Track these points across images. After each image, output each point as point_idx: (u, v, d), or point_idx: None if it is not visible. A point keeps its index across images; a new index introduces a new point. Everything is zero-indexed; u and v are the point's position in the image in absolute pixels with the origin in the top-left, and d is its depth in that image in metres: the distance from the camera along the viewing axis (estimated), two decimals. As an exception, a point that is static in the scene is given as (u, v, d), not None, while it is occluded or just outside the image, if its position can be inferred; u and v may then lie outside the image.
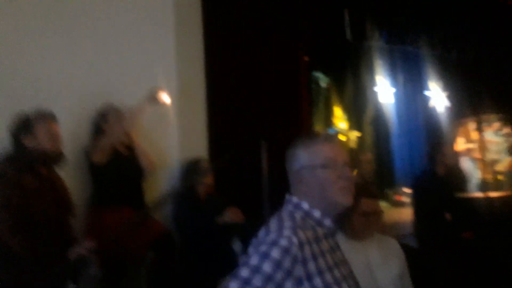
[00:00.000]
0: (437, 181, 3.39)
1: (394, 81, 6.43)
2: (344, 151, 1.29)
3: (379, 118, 6.28)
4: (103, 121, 2.86)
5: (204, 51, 3.44)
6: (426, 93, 6.58)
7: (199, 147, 3.30)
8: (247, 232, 3.03)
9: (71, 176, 2.52)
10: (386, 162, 6.24)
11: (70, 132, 2.61)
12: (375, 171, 5.91)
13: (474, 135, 5.68)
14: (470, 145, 5.56)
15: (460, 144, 5.63)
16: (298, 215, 1.19)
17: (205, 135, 3.35)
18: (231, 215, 2.89)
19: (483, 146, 5.54)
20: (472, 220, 3.66)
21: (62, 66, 2.87)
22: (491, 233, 3.45)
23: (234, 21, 3.61)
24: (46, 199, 2.20)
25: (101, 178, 2.78)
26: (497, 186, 5.15)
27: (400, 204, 5.47)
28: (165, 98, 2.86)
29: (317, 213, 1.20)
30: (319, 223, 1.20)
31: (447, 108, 6.64)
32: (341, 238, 1.86)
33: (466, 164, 5.27)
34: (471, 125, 5.70)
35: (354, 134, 5.89)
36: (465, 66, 6.60)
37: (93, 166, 2.75)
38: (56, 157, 2.32)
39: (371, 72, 6.26)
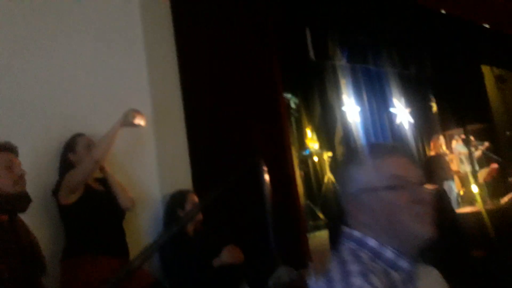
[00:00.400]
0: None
1: (359, 100, 6.40)
2: (416, 165, 0.94)
3: (348, 137, 6.17)
4: (71, 153, 2.40)
5: (179, 73, 3.08)
6: (391, 110, 6.60)
7: (182, 177, 2.89)
8: (256, 273, 2.66)
9: (39, 223, 2.02)
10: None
11: (35, 167, 2.12)
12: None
13: (445, 148, 5.70)
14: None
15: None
16: (364, 255, 0.87)
17: (187, 162, 2.95)
18: (230, 255, 2.48)
19: (456, 158, 5.56)
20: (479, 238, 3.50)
21: (21, 92, 2.38)
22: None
23: (207, 41, 3.31)
24: (8, 254, 1.70)
25: (73, 221, 2.28)
26: (472, 200, 5.13)
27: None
28: (141, 119, 2.44)
29: (389, 253, 0.87)
30: (393, 265, 0.87)
31: (411, 124, 6.69)
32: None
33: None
34: (440, 139, 5.72)
35: (327, 155, 5.71)
36: (423, 81, 6.74)
37: (63, 207, 2.25)
38: (18, 199, 1.83)
39: (337, 92, 6.19)
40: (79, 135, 2.46)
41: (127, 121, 2.40)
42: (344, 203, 0.94)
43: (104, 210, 2.39)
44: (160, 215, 2.73)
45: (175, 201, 2.68)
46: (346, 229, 0.93)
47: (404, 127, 6.55)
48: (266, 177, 2.08)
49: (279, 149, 3.45)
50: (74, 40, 2.64)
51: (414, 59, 6.61)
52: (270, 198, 2.29)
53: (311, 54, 5.89)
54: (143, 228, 2.68)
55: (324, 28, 5.98)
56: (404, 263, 0.88)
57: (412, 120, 6.68)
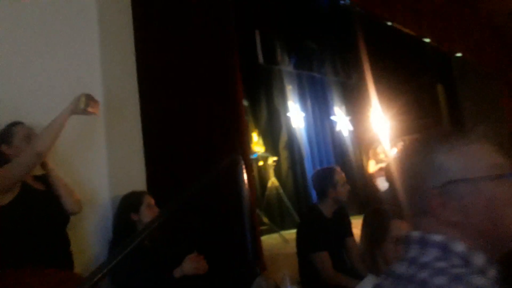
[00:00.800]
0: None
1: (304, 106, 6.44)
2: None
3: (292, 142, 6.17)
4: (5, 145, 2.02)
5: (136, 64, 2.77)
6: (332, 117, 6.72)
7: (135, 177, 2.58)
8: (233, 283, 2.42)
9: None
10: (302, 186, 6.11)
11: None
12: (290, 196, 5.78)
13: (383, 156, 5.86)
14: (382, 166, 5.69)
15: (372, 166, 5.74)
16: (449, 263, 0.70)
17: (142, 160, 2.65)
18: (193, 264, 2.23)
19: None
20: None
21: None
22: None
23: (165, 33, 3.05)
24: None
25: (6, 226, 1.90)
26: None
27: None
28: (95, 107, 2.11)
29: (479, 259, 0.72)
30: (482, 272, 0.71)
31: (351, 132, 6.85)
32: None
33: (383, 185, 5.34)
34: (380, 147, 5.88)
35: (272, 159, 5.62)
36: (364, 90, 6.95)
37: (-5, 209, 1.87)
38: None
39: (283, 97, 6.17)
40: (16, 124, 2.08)
41: (78, 108, 2.06)
42: (408, 201, 0.79)
43: (45, 213, 2.04)
44: (110, 220, 2.40)
45: (129, 204, 2.37)
46: (417, 234, 0.77)
47: (343, 134, 6.70)
48: (245, 175, 1.88)
49: (238, 150, 3.27)
50: (9, 15, 2.25)
51: (356, 69, 6.77)
52: (248, 198, 2.10)
53: (260, 58, 5.82)
54: (88, 235, 2.33)
55: (274, 33, 5.94)
56: (492, 271, 0.73)
57: (351, 128, 6.84)
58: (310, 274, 2.44)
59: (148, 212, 2.37)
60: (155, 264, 2.21)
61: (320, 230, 2.48)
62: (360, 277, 2.33)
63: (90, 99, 2.07)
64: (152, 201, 2.42)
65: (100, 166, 2.42)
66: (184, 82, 3.07)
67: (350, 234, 2.69)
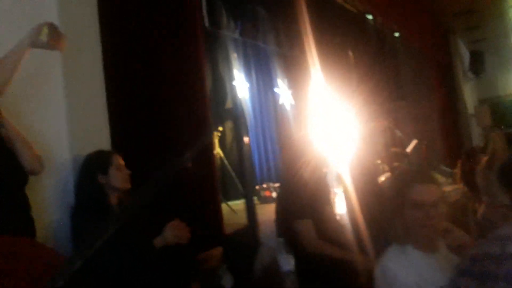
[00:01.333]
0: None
1: (248, 76, 6.26)
2: None
3: (237, 113, 5.97)
4: None
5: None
6: (276, 89, 6.64)
7: (99, 134, 2.23)
8: (237, 255, 2.19)
9: None
10: (247, 158, 5.98)
11: None
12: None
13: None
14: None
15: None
16: None
17: (105, 115, 2.29)
18: (175, 232, 1.99)
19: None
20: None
21: None
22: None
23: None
24: None
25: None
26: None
27: (271, 200, 5.26)
28: (60, 40, 1.73)
29: None
30: None
31: (293, 106, 6.83)
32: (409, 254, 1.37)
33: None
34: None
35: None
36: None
37: None
38: None
39: (228, 65, 5.92)
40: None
41: (39, 40, 1.67)
42: None
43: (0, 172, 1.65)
44: (70, 182, 2.05)
45: (95, 164, 2.04)
46: None
47: (285, 107, 6.67)
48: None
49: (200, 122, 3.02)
50: None
51: (298, 41, 6.71)
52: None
53: (206, 20, 5.48)
54: (46, 199, 1.97)
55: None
56: None
57: (293, 102, 6.82)
58: (291, 243, 2.33)
59: (117, 174, 2.07)
60: (133, 233, 1.93)
61: (304, 197, 2.36)
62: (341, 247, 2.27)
63: (53, 30, 1.68)
64: (122, 162, 2.11)
65: (58, 118, 2.04)
66: (147, 35, 2.72)
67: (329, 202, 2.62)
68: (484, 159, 3.44)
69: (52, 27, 1.70)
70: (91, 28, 2.25)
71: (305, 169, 2.43)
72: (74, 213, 1.97)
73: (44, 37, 1.68)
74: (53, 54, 1.84)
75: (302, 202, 2.34)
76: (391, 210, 1.48)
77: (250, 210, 1.75)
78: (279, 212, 2.50)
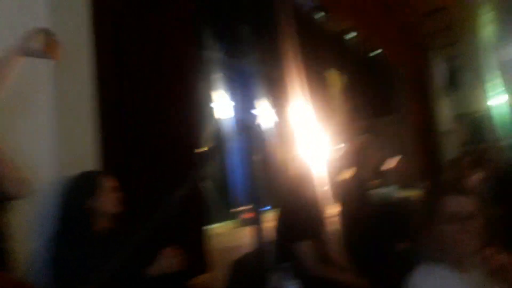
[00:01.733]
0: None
1: (231, 95, 6.20)
2: None
3: (218, 133, 5.87)
4: None
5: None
6: (257, 109, 6.57)
7: (87, 155, 2.07)
8: None
9: None
10: (228, 179, 5.85)
11: None
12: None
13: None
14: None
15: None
16: None
17: (94, 135, 2.14)
18: (171, 260, 1.84)
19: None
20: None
21: None
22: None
23: None
24: None
25: None
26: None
27: (251, 222, 5.12)
28: (53, 46, 1.58)
29: None
30: None
31: (276, 124, 6.77)
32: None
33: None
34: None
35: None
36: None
37: None
38: None
39: (211, 84, 5.85)
40: None
41: (32, 48, 1.53)
42: None
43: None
44: (53, 207, 1.88)
45: (82, 187, 1.88)
46: None
47: (267, 125, 6.61)
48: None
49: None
50: None
51: (281, 61, 6.73)
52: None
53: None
54: (23, 225, 1.79)
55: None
56: None
57: (277, 120, 6.76)
58: (291, 265, 2.20)
59: (106, 197, 1.92)
60: (124, 262, 1.76)
61: (305, 218, 2.27)
62: (343, 269, 2.18)
63: (48, 37, 1.54)
64: (112, 184, 1.96)
65: (44, 137, 1.88)
66: (140, 53, 2.62)
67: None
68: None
69: (47, 33, 1.56)
70: (82, 42, 2.13)
71: (305, 190, 2.36)
72: (56, 238, 1.80)
73: (38, 45, 1.54)
74: (43, 65, 1.70)
75: (302, 223, 2.26)
76: (422, 226, 1.38)
77: (259, 234, 1.64)
78: (280, 233, 2.40)
